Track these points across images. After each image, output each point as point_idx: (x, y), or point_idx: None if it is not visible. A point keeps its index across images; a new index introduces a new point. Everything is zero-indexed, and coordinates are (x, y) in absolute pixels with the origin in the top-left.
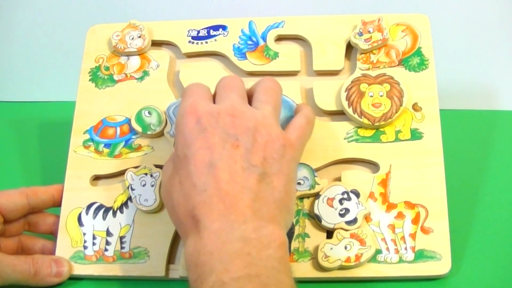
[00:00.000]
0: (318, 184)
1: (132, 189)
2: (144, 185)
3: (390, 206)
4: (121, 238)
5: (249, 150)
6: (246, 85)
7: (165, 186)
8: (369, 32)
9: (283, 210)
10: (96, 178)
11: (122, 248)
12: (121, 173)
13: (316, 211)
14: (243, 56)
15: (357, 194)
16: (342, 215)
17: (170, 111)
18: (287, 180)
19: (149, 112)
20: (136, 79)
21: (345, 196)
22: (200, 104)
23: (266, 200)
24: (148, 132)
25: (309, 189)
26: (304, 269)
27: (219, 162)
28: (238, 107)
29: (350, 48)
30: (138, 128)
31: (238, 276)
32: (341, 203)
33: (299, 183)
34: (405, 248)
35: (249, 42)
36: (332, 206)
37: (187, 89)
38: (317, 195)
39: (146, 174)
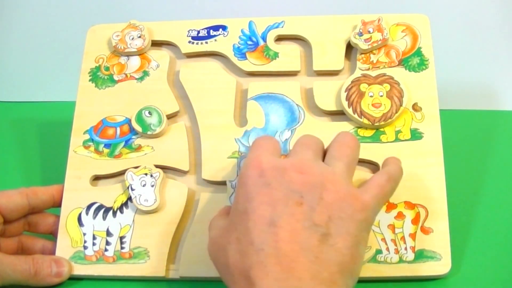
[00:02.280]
0: None
1: (132, 189)
2: (144, 185)
3: (390, 206)
4: (121, 238)
5: (313, 208)
6: (246, 85)
7: (216, 243)
8: (369, 32)
9: (346, 275)
10: (96, 178)
11: (122, 248)
12: (121, 173)
13: None
14: (243, 56)
15: None
16: None
17: (241, 161)
18: (353, 242)
19: (149, 112)
20: (136, 79)
21: None
22: (266, 157)
23: (328, 263)
24: (148, 132)
25: None
26: None
27: (280, 220)
28: (306, 163)
29: (350, 48)
30: (138, 128)
31: None
32: None
33: None
34: (405, 248)
35: (249, 42)
36: None
37: (255, 142)
38: None
39: (146, 174)
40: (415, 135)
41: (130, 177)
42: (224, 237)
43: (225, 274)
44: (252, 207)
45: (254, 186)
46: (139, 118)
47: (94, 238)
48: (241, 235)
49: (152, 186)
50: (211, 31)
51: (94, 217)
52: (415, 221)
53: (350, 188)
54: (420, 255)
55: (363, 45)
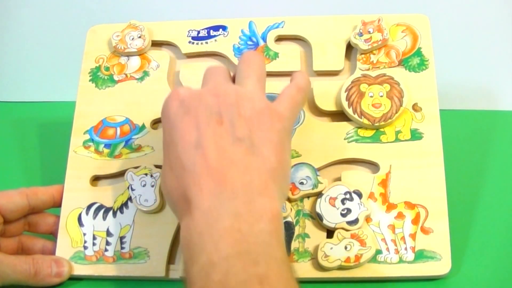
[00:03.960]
0: (321, 183)
1: (132, 190)
2: (144, 185)
3: (390, 206)
4: (121, 238)
5: (234, 124)
6: None
7: (161, 177)
8: (369, 32)
9: (277, 180)
10: (96, 178)
11: (122, 248)
12: (121, 173)
13: (317, 210)
14: None
15: (360, 195)
16: (343, 215)
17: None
18: (278, 149)
19: None
20: (136, 79)
21: (348, 196)
22: (182, 89)
23: (258, 171)
24: None
25: (312, 188)
26: (304, 269)
27: (205, 141)
28: (220, 86)
29: (350, 48)
30: None
31: (228, 254)
32: (343, 203)
33: (302, 183)
34: (405, 248)
35: (249, 43)
36: (334, 206)
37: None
38: (319, 194)
39: (146, 174)
40: (415, 135)
41: (130, 177)
42: (162, 169)
43: (169, 201)
44: (177, 135)
45: (175, 116)
46: None
47: (94, 238)
48: (173, 163)
49: (152, 186)
50: (211, 31)
51: (94, 217)
52: (415, 221)
53: (264, 102)
54: (420, 255)
55: (363, 45)
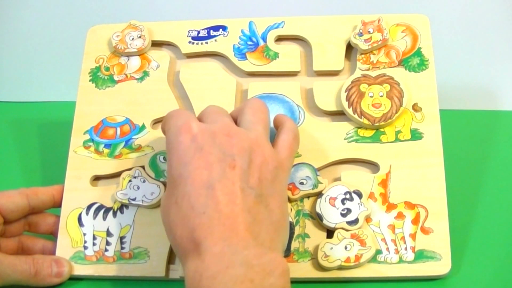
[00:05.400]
0: (321, 183)
1: (132, 199)
2: (138, 188)
3: (390, 206)
4: (121, 238)
5: (246, 171)
6: (246, 85)
7: (162, 208)
8: (369, 32)
9: (280, 233)
10: (96, 178)
11: (122, 248)
12: (121, 173)
13: (317, 210)
14: (243, 56)
15: (360, 195)
16: (343, 215)
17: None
18: (281, 201)
19: (164, 158)
20: (136, 79)
21: (348, 196)
22: (194, 122)
23: (265, 223)
24: (161, 179)
25: (312, 189)
26: (304, 269)
27: (217, 183)
28: (232, 127)
29: (350, 48)
30: (150, 173)
31: None
32: (343, 203)
33: (302, 183)
34: (405, 248)
35: (249, 43)
36: (334, 206)
37: (172, 112)
38: (319, 194)
39: (130, 180)
40: (415, 135)
41: (121, 195)
42: (165, 202)
43: (170, 236)
44: (187, 171)
45: (187, 151)
46: (154, 163)
47: (94, 238)
48: (179, 199)
49: (144, 182)
50: (211, 31)
51: (94, 217)
52: (415, 221)
53: (271, 151)
54: (420, 255)
55: (363, 46)
